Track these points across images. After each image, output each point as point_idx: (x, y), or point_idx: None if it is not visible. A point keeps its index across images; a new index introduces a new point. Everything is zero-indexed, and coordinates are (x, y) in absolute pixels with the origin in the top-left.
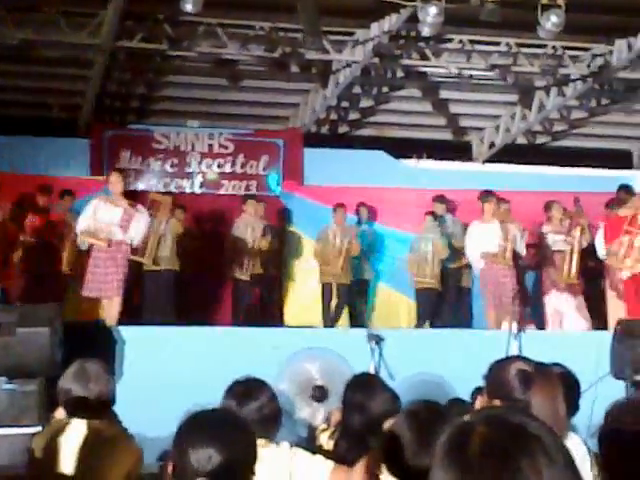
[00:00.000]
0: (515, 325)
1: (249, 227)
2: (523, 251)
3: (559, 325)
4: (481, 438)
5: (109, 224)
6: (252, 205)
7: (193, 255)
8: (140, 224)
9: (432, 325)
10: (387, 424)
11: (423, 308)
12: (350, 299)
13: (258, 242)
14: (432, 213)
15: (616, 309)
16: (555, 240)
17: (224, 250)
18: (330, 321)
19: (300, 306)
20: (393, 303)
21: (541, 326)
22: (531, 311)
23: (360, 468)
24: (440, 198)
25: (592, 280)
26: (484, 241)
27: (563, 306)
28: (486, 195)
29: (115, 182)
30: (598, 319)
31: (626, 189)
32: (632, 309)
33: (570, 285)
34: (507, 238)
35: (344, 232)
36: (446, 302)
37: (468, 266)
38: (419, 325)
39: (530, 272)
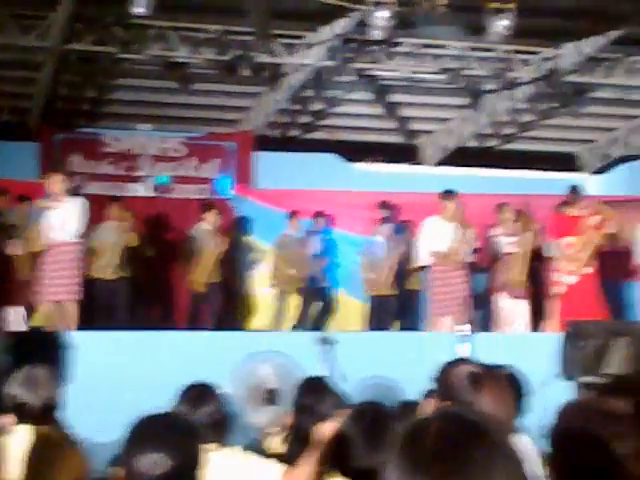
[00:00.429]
0: (465, 327)
1: (207, 235)
2: (470, 256)
3: (508, 327)
4: (436, 433)
5: (47, 227)
6: (212, 215)
7: (146, 261)
8: (71, 214)
9: (385, 328)
10: (331, 425)
11: (377, 311)
12: (309, 303)
13: (215, 250)
14: (384, 218)
15: (552, 312)
16: (506, 242)
17: (181, 257)
18: (280, 325)
19: (254, 310)
20: (347, 307)
21: (490, 328)
22: (481, 313)
23: (304, 466)
24: (385, 204)
25: (538, 282)
26: (436, 239)
27: (512, 308)
28: (448, 194)
29: (53, 183)
30: (544, 321)
31: (576, 190)
32: (577, 311)
33: (519, 287)
34: (461, 240)
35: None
36: (398, 305)
37: (419, 269)
38: (372, 328)
39: (480, 274)
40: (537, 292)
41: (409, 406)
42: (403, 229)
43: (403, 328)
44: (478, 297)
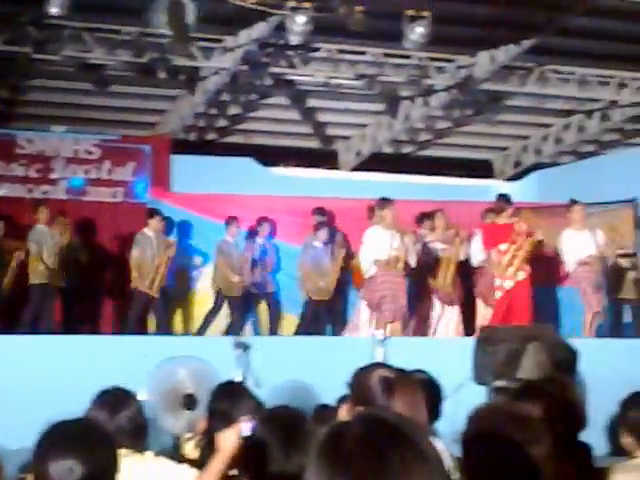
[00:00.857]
0: (381, 331)
1: (151, 242)
2: (413, 261)
3: (438, 332)
4: (355, 436)
5: None
6: (156, 221)
7: (78, 265)
8: None
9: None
10: (235, 431)
11: (309, 317)
12: (247, 309)
13: (159, 257)
14: (319, 224)
15: (486, 317)
16: (437, 249)
17: (118, 262)
18: (204, 330)
19: (192, 314)
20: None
21: (424, 332)
22: (414, 317)
23: (210, 473)
24: (320, 210)
25: (465, 288)
26: (377, 248)
27: (442, 313)
28: (384, 202)
29: None
30: (470, 326)
31: (504, 198)
32: (511, 317)
33: (447, 293)
34: (401, 247)
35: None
36: (335, 309)
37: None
38: (301, 333)
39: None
40: (467, 298)
41: (325, 410)
42: (336, 234)
43: (336, 333)
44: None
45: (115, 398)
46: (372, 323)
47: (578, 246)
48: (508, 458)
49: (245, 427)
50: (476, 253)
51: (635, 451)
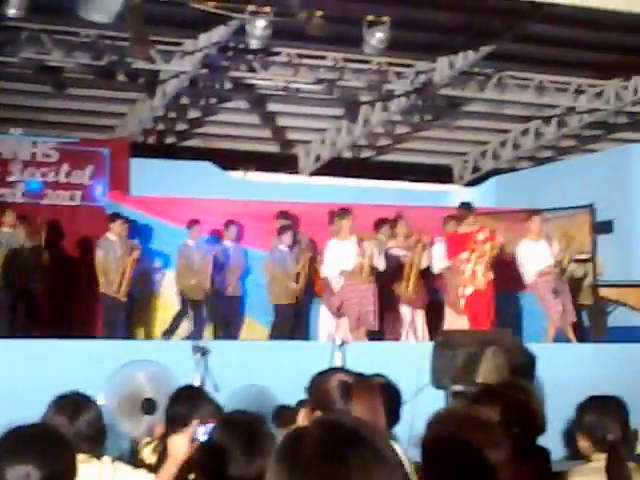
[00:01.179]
0: (339, 336)
1: (114, 246)
2: (381, 266)
3: (402, 336)
4: (314, 440)
5: None
6: (118, 225)
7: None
8: None
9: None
10: (186, 435)
11: (279, 322)
12: (202, 314)
13: (124, 261)
14: (283, 227)
15: (453, 323)
16: (398, 255)
17: (84, 266)
18: (171, 334)
19: (155, 318)
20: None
21: (394, 338)
22: (385, 323)
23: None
24: (284, 213)
25: (431, 295)
26: (341, 259)
27: (406, 318)
28: (343, 213)
29: None
30: (436, 333)
31: (466, 206)
32: (475, 323)
33: (410, 299)
34: (363, 254)
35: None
36: (302, 314)
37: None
38: (273, 338)
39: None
40: (432, 304)
41: (284, 411)
42: (300, 238)
43: (305, 338)
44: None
45: (74, 403)
46: (336, 329)
47: (536, 257)
48: (467, 462)
49: (199, 431)
50: (438, 260)
51: (591, 455)
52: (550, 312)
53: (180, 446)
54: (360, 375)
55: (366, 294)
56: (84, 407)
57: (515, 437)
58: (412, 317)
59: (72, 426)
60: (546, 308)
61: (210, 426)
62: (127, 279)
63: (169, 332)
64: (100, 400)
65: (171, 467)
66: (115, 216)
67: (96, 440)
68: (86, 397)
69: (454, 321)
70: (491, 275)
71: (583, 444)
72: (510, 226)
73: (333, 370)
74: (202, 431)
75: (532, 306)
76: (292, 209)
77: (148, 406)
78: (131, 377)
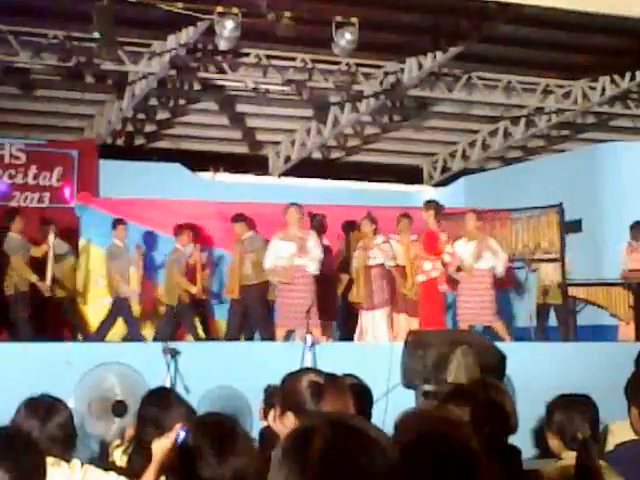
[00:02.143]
0: (310, 337)
1: (122, 251)
2: (313, 268)
3: (367, 337)
4: (323, 439)
5: None
6: (120, 230)
7: None
8: None
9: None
10: (169, 438)
11: (233, 321)
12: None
13: (133, 262)
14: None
15: (408, 322)
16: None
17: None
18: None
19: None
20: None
21: (351, 338)
22: (340, 323)
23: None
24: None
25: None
26: (277, 256)
27: (370, 319)
28: (287, 207)
29: None
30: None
31: (435, 204)
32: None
33: (376, 299)
34: (303, 252)
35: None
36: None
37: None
38: (229, 337)
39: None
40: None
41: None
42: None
43: (264, 338)
44: (339, 308)
45: (45, 406)
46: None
47: (464, 256)
48: (442, 461)
49: (180, 435)
50: (385, 259)
51: (562, 453)
52: (460, 309)
53: (164, 450)
54: (331, 375)
55: (299, 294)
56: (55, 410)
57: (484, 435)
58: (374, 316)
59: (43, 429)
60: (458, 302)
61: (186, 429)
62: (141, 276)
63: (160, 336)
64: (70, 403)
65: (154, 471)
66: (116, 222)
67: (66, 443)
68: (57, 400)
69: (409, 321)
70: (437, 273)
71: (553, 442)
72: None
73: (304, 370)
74: (181, 435)
75: (508, 305)
76: (261, 210)
77: (119, 408)
78: (101, 379)
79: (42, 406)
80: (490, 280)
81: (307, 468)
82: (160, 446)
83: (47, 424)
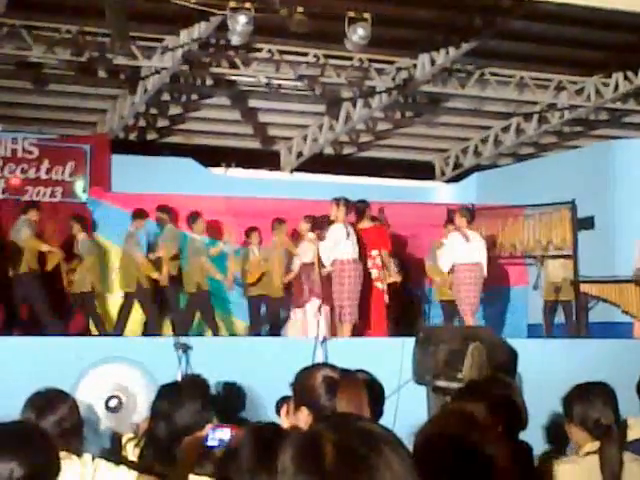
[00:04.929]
0: (322, 332)
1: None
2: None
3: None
4: (334, 445)
5: None
6: (140, 221)
7: None
8: None
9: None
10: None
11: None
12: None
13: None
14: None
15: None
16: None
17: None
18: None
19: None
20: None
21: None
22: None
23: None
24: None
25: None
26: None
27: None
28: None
29: None
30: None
31: (363, 203)
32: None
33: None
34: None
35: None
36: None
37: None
38: (252, 331)
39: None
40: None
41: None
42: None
43: (272, 334)
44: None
45: (46, 400)
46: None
47: (457, 249)
48: (465, 459)
49: (210, 436)
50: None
51: (586, 444)
52: (462, 303)
53: (192, 449)
54: (345, 371)
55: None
56: (56, 404)
57: (501, 433)
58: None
59: (48, 422)
60: (458, 298)
61: (220, 431)
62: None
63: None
64: (79, 396)
65: (182, 468)
66: (136, 213)
67: (75, 437)
68: (60, 394)
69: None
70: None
71: (577, 435)
72: (492, 222)
73: (318, 365)
74: (212, 436)
75: (516, 301)
76: (273, 205)
77: (123, 403)
78: (111, 374)
79: (41, 400)
80: (479, 275)
81: (319, 474)
82: (187, 445)
83: (44, 419)
